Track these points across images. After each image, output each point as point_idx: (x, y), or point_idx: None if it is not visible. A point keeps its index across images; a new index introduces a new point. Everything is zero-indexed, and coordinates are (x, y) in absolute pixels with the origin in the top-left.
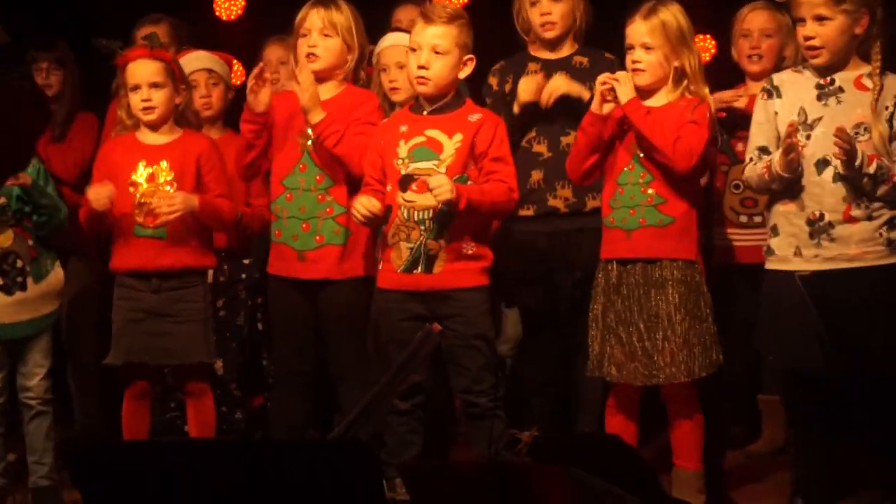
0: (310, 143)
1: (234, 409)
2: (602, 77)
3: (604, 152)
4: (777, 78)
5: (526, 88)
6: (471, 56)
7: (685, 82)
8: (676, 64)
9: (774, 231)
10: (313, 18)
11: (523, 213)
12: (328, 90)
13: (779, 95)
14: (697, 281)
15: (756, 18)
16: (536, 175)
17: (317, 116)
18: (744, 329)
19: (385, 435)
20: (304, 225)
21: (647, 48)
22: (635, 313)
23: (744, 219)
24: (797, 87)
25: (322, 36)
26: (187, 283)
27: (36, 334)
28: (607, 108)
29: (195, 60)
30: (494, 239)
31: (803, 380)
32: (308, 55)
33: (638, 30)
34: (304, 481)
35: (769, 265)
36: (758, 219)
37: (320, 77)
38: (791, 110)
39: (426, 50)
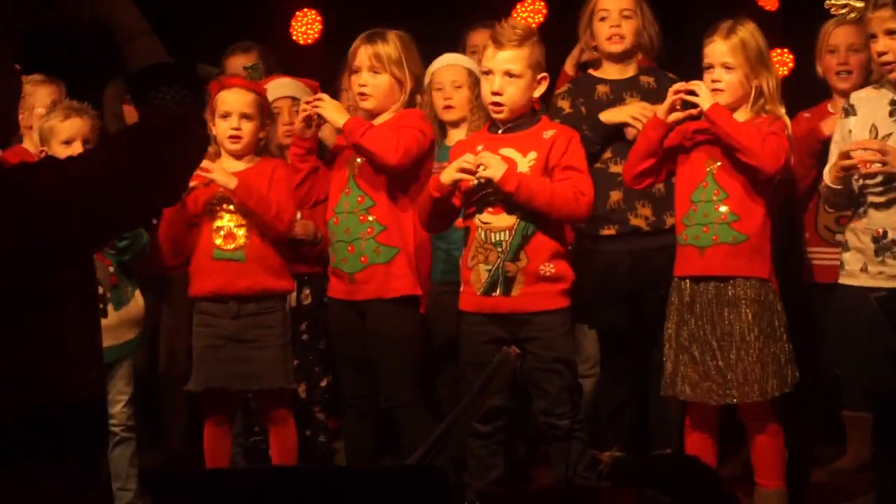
0: (357, 163)
1: (317, 432)
2: (677, 86)
3: (660, 158)
4: (854, 96)
5: (610, 118)
6: (545, 75)
7: (762, 102)
8: (755, 83)
9: (845, 247)
10: (362, 55)
11: (605, 232)
12: (380, 119)
13: (854, 113)
14: (771, 300)
15: (842, 34)
16: (615, 196)
17: (343, 119)
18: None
19: (466, 458)
20: (349, 247)
21: (728, 68)
22: (708, 332)
23: (840, 237)
24: (873, 104)
25: (371, 73)
26: (267, 309)
27: (117, 361)
28: (673, 116)
29: (279, 88)
30: (574, 258)
31: (885, 398)
32: (360, 94)
33: (718, 49)
34: None
35: (840, 280)
36: None
37: (374, 113)
38: (865, 128)
39: (499, 75)
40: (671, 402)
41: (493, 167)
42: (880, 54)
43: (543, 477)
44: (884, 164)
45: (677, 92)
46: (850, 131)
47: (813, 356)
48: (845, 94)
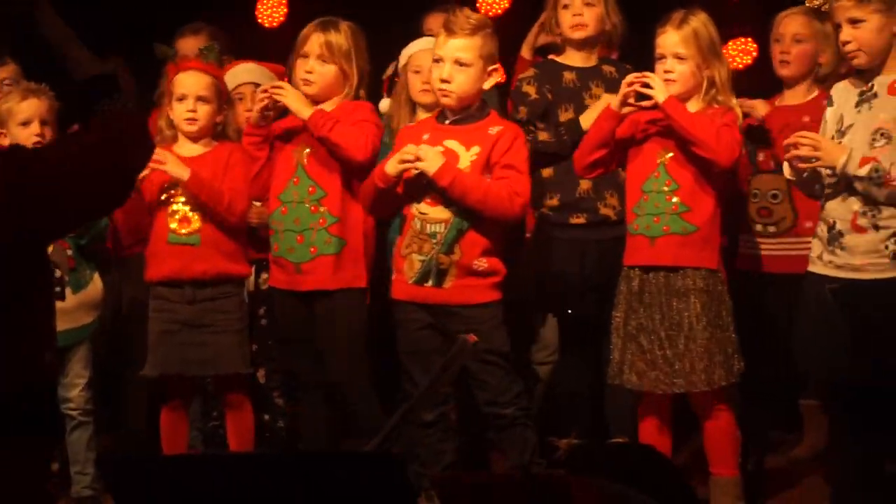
0: (306, 152)
1: (277, 417)
2: (630, 77)
3: (610, 149)
4: (834, 87)
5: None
6: (496, 66)
7: (713, 92)
8: (707, 74)
9: (815, 235)
10: (313, 42)
11: (575, 220)
12: (326, 106)
13: (831, 104)
14: (720, 290)
15: (790, 24)
16: (585, 185)
17: (308, 111)
18: (781, 334)
19: (417, 448)
20: (298, 237)
21: (680, 58)
22: (657, 321)
23: (759, 228)
24: (846, 94)
25: (319, 62)
26: (223, 293)
27: (75, 344)
28: (626, 109)
29: (243, 73)
30: (536, 245)
31: (840, 387)
32: (303, 80)
33: (670, 39)
34: (338, 494)
35: (808, 266)
36: (771, 228)
37: (315, 101)
38: (835, 118)
39: (449, 63)
40: (626, 391)
41: (429, 160)
42: (844, 43)
43: (498, 463)
44: (816, 158)
45: (631, 84)
46: (826, 122)
47: (768, 344)
48: (788, 84)
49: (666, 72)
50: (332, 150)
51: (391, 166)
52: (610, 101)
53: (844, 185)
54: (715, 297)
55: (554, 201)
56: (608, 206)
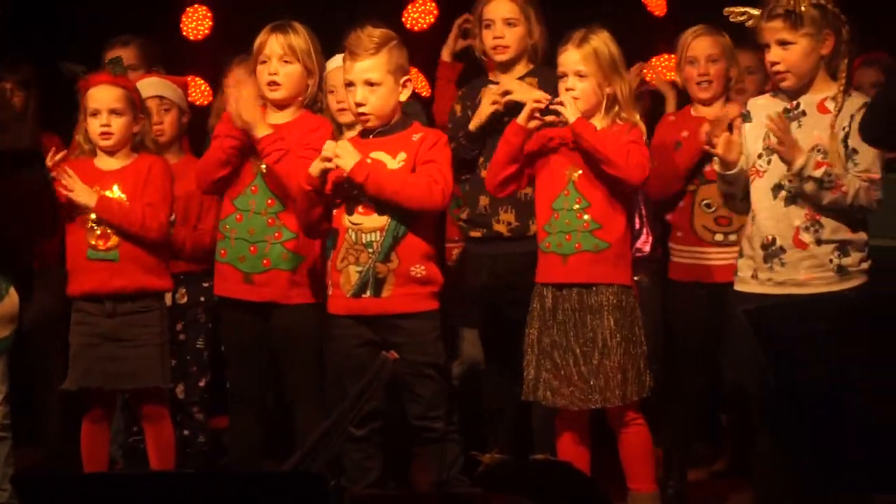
0: (264, 165)
1: (196, 432)
2: (537, 94)
3: (521, 165)
4: (752, 102)
5: (483, 105)
6: (408, 77)
7: (616, 109)
8: (609, 91)
9: (740, 253)
10: (272, 45)
11: (473, 234)
12: (284, 116)
13: (749, 120)
14: (632, 305)
15: (701, 44)
16: (484, 200)
17: (262, 132)
18: (707, 346)
19: (343, 461)
20: (251, 248)
21: (581, 76)
22: (571, 338)
23: (719, 237)
24: (768, 110)
25: (282, 63)
26: (143, 307)
27: None
28: (533, 124)
29: (147, 87)
30: (454, 259)
31: (761, 403)
32: (269, 84)
33: (571, 58)
34: None
35: (735, 286)
36: (732, 237)
37: (282, 104)
38: (758, 134)
39: (360, 85)
40: (543, 408)
41: (344, 157)
42: (772, 64)
43: (420, 478)
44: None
45: (538, 101)
46: (746, 138)
47: (683, 357)
48: (706, 104)
49: (567, 89)
50: (278, 179)
51: (314, 167)
52: (491, 92)
53: (792, 192)
54: (628, 313)
55: (464, 215)
56: (501, 223)
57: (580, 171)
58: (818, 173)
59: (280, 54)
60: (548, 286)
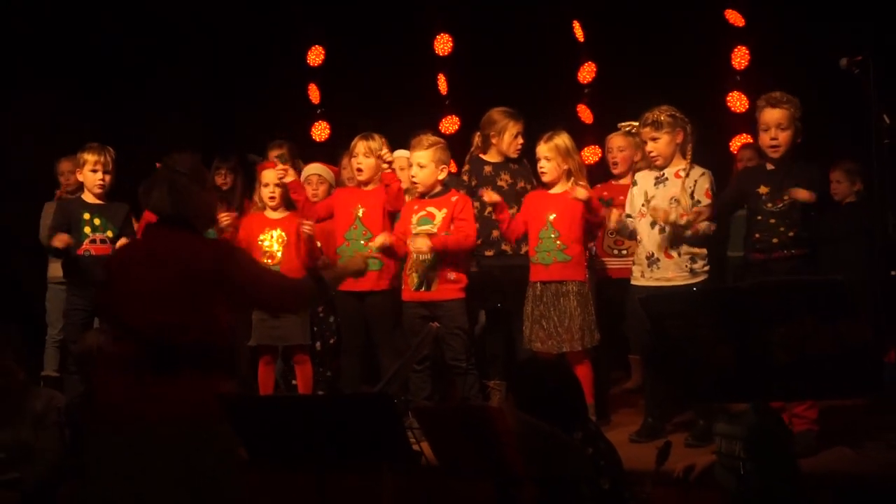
0: (360, 211)
1: (325, 370)
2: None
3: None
4: (638, 174)
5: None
6: (445, 165)
7: (573, 178)
8: (565, 167)
9: (635, 262)
10: (359, 147)
11: (487, 253)
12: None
13: (636, 184)
14: (586, 292)
15: (614, 142)
16: (496, 233)
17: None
18: (619, 317)
19: (409, 384)
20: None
21: (548, 159)
22: (551, 311)
23: (616, 252)
24: (647, 178)
25: (363, 157)
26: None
27: None
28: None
29: (312, 168)
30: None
31: (648, 350)
32: (357, 169)
33: (542, 149)
34: (356, 420)
35: (632, 281)
36: (623, 252)
37: (362, 183)
38: (641, 192)
39: (415, 166)
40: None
41: (423, 248)
42: (649, 152)
43: (453, 395)
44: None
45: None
46: (634, 195)
47: (613, 323)
48: (616, 178)
49: (540, 167)
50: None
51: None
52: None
53: (669, 232)
54: (583, 296)
55: (479, 241)
56: (507, 246)
57: (555, 214)
58: (682, 221)
59: (363, 152)
60: (537, 283)
